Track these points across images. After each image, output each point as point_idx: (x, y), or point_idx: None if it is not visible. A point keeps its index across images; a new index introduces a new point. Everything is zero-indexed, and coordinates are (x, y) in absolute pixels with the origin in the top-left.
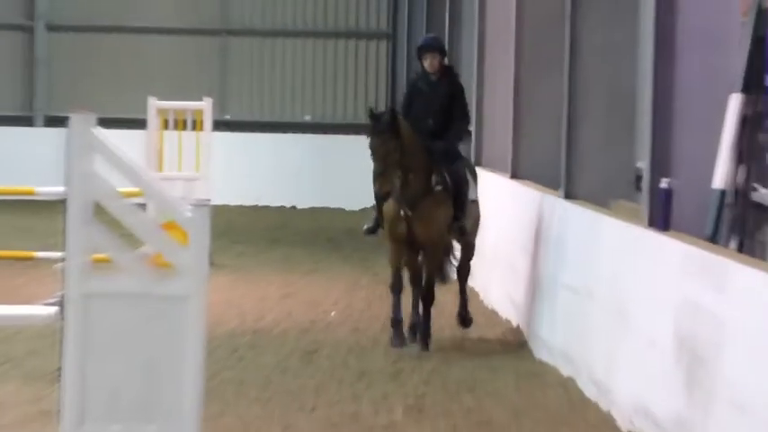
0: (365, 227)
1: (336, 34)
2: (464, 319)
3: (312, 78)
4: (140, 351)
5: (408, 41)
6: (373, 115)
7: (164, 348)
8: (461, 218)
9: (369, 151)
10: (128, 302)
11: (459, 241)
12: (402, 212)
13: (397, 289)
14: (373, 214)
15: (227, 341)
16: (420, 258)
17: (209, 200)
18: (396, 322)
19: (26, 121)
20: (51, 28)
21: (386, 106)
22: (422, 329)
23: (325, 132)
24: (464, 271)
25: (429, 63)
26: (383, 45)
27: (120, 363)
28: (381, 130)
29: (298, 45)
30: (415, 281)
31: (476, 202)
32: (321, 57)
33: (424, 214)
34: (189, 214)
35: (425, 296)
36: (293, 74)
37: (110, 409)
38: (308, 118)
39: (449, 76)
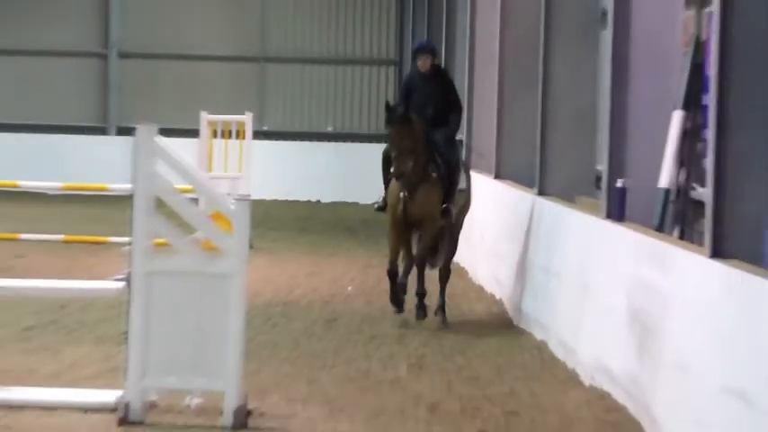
0: (376, 205)
1: (353, 61)
2: (442, 320)
3: (334, 97)
4: (192, 318)
5: (413, 67)
6: (390, 108)
7: (211, 316)
8: (449, 202)
9: (386, 140)
10: (182, 279)
11: (445, 224)
12: (402, 195)
13: (394, 260)
14: (383, 194)
15: (263, 311)
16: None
17: (249, 195)
18: (401, 286)
19: (101, 131)
20: (122, 55)
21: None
22: (439, 304)
23: (344, 141)
24: (445, 272)
25: (422, 63)
26: (392, 70)
27: (176, 328)
28: (398, 120)
29: (322, 70)
30: (409, 255)
31: (464, 191)
32: (341, 79)
33: (420, 197)
34: (232, 207)
35: (418, 264)
36: (318, 93)
37: (167, 365)
38: (330, 129)
39: (440, 73)
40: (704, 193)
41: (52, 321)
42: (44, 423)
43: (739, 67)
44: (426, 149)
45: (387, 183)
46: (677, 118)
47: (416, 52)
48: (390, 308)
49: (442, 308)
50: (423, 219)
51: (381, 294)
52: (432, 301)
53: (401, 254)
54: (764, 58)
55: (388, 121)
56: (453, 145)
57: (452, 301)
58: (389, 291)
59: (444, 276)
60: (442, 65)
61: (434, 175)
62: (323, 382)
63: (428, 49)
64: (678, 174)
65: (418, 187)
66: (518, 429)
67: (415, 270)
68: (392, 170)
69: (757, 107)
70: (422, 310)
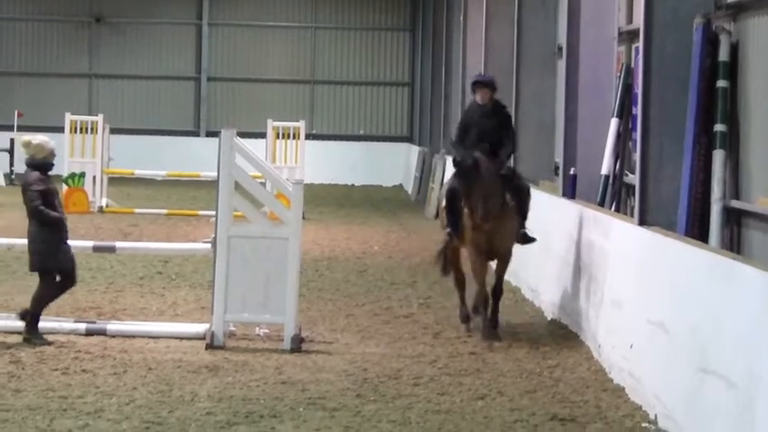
0: (447, 237)
1: (377, 83)
2: (492, 333)
3: (363, 109)
4: (261, 270)
5: (421, 87)
6: (457, 162)
7: (275, 269)
8: (524, 226)
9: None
10: (254, 241)
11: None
12: (485, 226)
13: (484, 300)
14: (447, 229)
15: (312, 264)
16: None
17: (302, 180)
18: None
19: (195, 134)
20: (210, 79)
21: (408, 125)
22: (492, 319)
23: (371, 141)
24: (499, 290)
25: (481, 96)
26: (405, 90)
27: (249, 277)
28: (468, 171)
29: (355, 89)
30: (463, 283)
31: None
32: (368, 96)
33: (501, 229)
34: (290, 189)
35: (498, 291)
36: (352, 106)
37: (242, 305)
38: (361, 132)
39: (497, 107)
40: (633, 178)
41: (158, 272)
42: (151, 348)
43: (657, 87)
44: (499, 184)
45: (452, 221)
46: (614, 124)
47: (475, 85)
48: (409, 261)
49: (494, 325)
50: (504, 249)
51: (399, 252)
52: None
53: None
54: (675, 80)
55: (460, 175)
56: (516, 174)
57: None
58: (462, 314)
59: (498, 294)
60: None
61: (512, 204)
62: (356, 316)
63: (487, 82)
64: (614, 164)
65: (498, 219)
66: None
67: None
68: (480, 219)
69: (671, 116)
70: (495, 336)
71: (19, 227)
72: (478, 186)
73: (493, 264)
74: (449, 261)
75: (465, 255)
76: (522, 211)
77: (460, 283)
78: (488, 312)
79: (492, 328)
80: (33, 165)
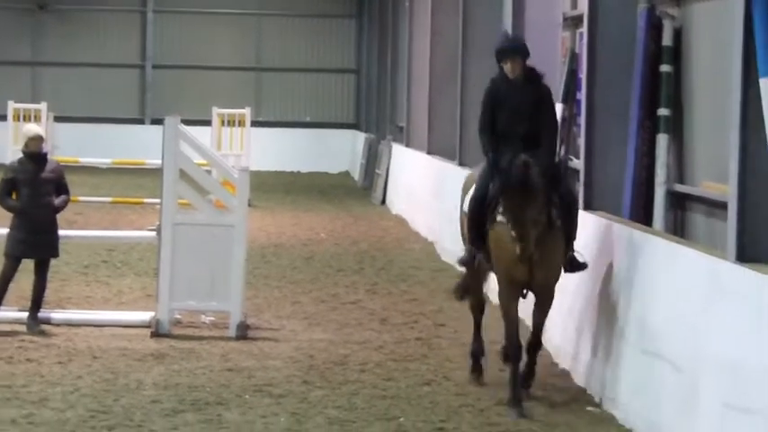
0: (460, 258)
1: (323, 70)
2: (518, 400)
3: (310, 96)
4: (207, 258)
5: (367, 74)
6: (501, 169)
7: (221, 256)
8: (571, 249)
9: (504, 205)
10: (199, 229)
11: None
12: (528, 255)
13: (516, 350)
14: (467, 246)
15: (259, 251)
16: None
17: (248, 167)
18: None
19: (140, 122)
20: (155, 66)
21: (354, 112)
22: (525, 378)
23: (317, 127)
24: (537, 339)
25: (510, 66)
26: (351, 77)
27: (194, 264)
28: (518, 183)
29: (301, 76)
30: (482, 307)
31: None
32: (315, 83)
33: (545, 254)
34: (236, 176)
35: (535, 343)
36: (298, 93)
37: (188, 292)
38: (308, 119)
39: (534, 79)
40: (578, 163)
41: (103, 261)
42: (96, 336)
43: (601, 73)
44: (545, 199)
45: (477, 235)
46: (559, 109)
47: (500, 54)
48: (355, 248)
49: (526, 385)
50: (546, 282)
51: (345, 239)
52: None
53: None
54: (620, 65)
55: (505, 187)
56: (563, 176)
57: (398, 244)
58: (472, 368)
59: (535, 345)
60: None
61: (558, 222)
62: (303, 303)
63: (516, 49)
64: (560, 149)
65: (540, 241)
66: (445, 336)
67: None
68: (518, 251)
69: (615, 101)
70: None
71: None
72: (529, 206)
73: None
74: (467, 282)
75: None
76: (570, 228)
77: (477, 308)
78: (519, 367)
79: (522, 390)
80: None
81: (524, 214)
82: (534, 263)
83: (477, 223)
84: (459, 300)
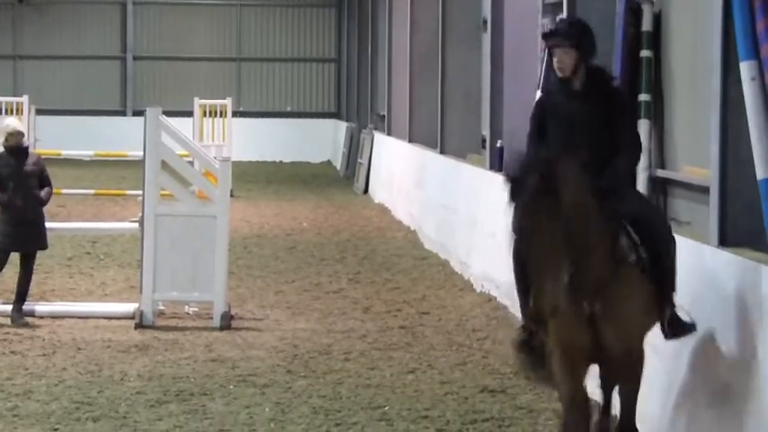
0: (518, 339)
1: (304, 59)
2: None
3: (291, 85)
4: (189, 248)
5: (348, 63)
6: (512, 178)
7: (204, 247)
8: (668, 305)
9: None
10: (182, 219)
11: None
12: (584, 309)
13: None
14: (520, 321)
15: (241, 241)
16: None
17: (229, 158)
18: None
19: (121, 113)
20: (136, 58)
21: (335, 101)
22: None
23: (298, 117)
24: (627, 426)
25: (558, 61)
26: (332, 66)
27: (177, 255)
28: (534, 198)
29: (282, 66)
30: (583, 411)
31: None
32: (295, 73)
33: (614, 306)
34: (218, 166)
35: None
36: (279, 83)
37: (171, 283)
38: (289, 108)
39: (598, 81)
40: None
41: (86, 252)
42: (80, 328)
43: None
44: (600, 224)
45: (524, 302)
46: (538, 96)
47: (549, 39)
48: (338, 237)
49: None
50: (621, 346)
51: (328, 228)
52: None
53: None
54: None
55: (518, 203)
56: (636, 194)
57: (380, 233)
58: None
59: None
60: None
61: (633, 258)
62: (286, 292)
63: (563, 33)
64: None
65: (607, 288)
66: (428, 324)
67: None
68: (531, 304)
69: None
70: None
71: None
72: (554, 219)
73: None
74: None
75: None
76: (661, 272)
77: (575, 408)
78: None
79: None
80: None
81: (548, 238)
82: (596, 321)
83: (522, 282)
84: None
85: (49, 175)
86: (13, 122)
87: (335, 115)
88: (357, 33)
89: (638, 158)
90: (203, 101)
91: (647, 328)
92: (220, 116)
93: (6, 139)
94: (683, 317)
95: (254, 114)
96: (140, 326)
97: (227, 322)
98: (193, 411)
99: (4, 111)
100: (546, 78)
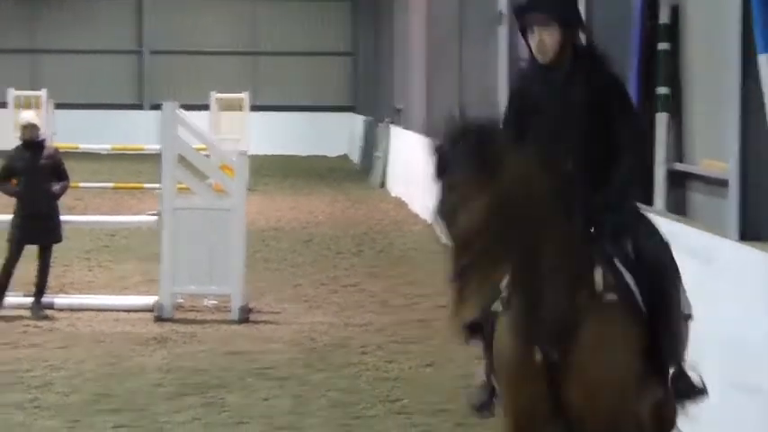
0: (474, 403)
1: (322, 53)
2: None
3: (307, 79)
4: (207, 242)
5: (364, 56)
6: (440, 149)
7: (221, 240)
8: (672, 354)
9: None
10: (199, 213)
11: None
12: (537, 357)
13: None
14: (480, 374)
15: (258, 234)
16: None
17: (246, 151)
18: None
19: (139, 107)
20: (152, 51)
21: (352, 94)
22: None
23: (315, 111)
24: None
25: (537, 43)
26: (350, 59)
27: (195, 249)
28: (458, 170)
29: (298, 59)
30: None
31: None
32: (312, 66)
33: (583, 358)
34: (235, 160)
35: None
36: (296, 76)
37: (189, 277)
38: (305, 102)
39: (589, 65)
40: None
41: (105, 246)
42: (99, 321)
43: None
44: (568, 239)
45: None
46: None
47: (520, 18)
48: (353, 231)
49: None
50: (597, 411)
51: (343, 221)
52: None
53: None
54: (617, 43)
55: (443, 181)
56: (636, 213)
57: (397, 226)
58: None
59: None
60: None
61: (611, 296)
62: (303, 286)
63: (545, 9)
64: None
65: (574, 333)
66: (446, 317)
67: None
68: (452, 312)
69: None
70: None
71: None
72: (493, 220)
73: None
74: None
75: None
76: (658, 313)
77: None
78: None
79: None
80: None
81: (456, 230)
82: (560, 377)
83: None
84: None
85: (65, 169)
86: (28, 116)
87: (352, 109)
88: (374, 27)
89: (642, 163)
90: (220, 95)
91: (630, 384)
92: (238, 110)
93: (22, 132)
94: (693, 379)
95: (271, 108)
96: (159, 319)
97: (244, 315)
98: (212, 404)
99: (23, 105)
100: (531, 69)
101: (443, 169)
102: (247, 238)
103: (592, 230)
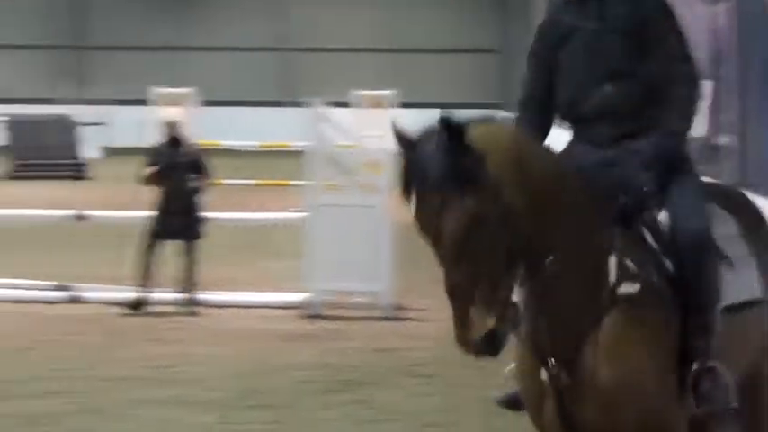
0: (498, 397)
1: (467, 50)
2: None
3: (451, 76)
4: (352, 238)
5: (512, 53)
6: (398, 134)
7: (367, 237)
8: (700, 351)
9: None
10: (344, 210)
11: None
12: (548, 373)
13: None
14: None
15: (405, 232)
16: None
17: (392, 149)
18: None
19: (281, 104)
20: (294, 49)
21: (498, 92)
22: None
23: (462, 108)
24: None
25: None
26: (496, 56)
27: (340, 246)
28: (432, 174)
29: (444, 57)
30: None
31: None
32: (459, 63)
33: (593, 369)
34: (381, 157)
35: None
36: (440, 76)
37: (337, 273)
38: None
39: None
40: (726, 140)
41: (249, 242)
42: (245, 317)
43: (744, 47)
44: (582, 223)
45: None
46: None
47: None
48: None
49: None
50: (606, 422)
51: None
52: None
53: None
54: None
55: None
56: (685, 185)
57: None
58: None
59: None
60: None
61: (632, 288)
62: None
63: None
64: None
65: (590, 340)
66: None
67: None
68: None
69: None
70: None
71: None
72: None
73: None
74: None
75: None
76: (695, 305)
77: None
78: None
79: None
80: None
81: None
82: (572, 394)
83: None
84: None
85: (206, 165)
86: (169, 112)
87: (500, 106)
88: (522, 22)
89: (697, 91)
90: (366, 92)
91: (658, 397)
92: (381, 107)
93: (164, 129)
94: (721, 379)
95: (416, 105)
96: (307, 316)
97: (392, 312)
98: (360, 401)
99: (167, 102)
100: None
101: (413, 176)
102: (394, 234)
103: (618, 197)
